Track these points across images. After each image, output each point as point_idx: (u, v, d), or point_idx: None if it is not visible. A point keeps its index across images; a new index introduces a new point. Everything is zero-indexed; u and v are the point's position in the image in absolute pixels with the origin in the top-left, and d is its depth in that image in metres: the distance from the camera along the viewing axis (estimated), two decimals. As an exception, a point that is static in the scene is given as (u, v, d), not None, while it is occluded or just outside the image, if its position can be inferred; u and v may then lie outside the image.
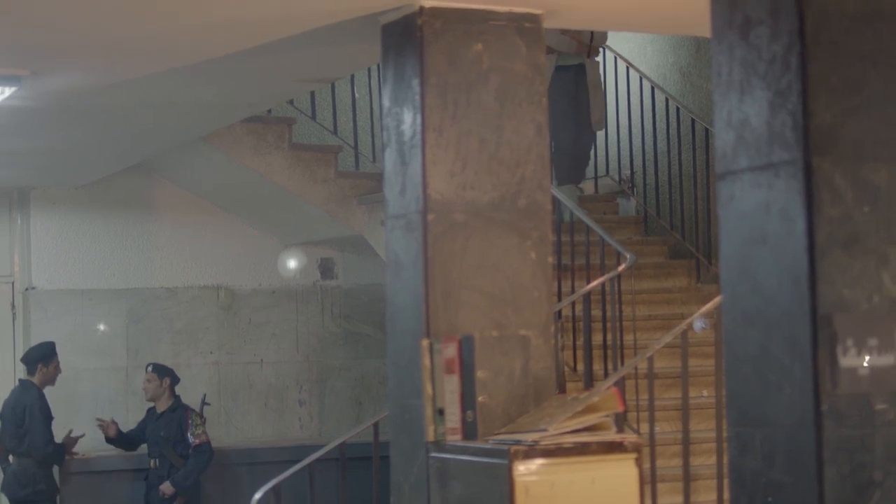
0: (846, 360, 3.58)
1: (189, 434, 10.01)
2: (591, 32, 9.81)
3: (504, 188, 5.46)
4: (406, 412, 5.44)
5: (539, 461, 4.85)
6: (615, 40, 10.41)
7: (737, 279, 3.82)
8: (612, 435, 5.00)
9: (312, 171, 9.86)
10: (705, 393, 7.88)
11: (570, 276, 8.40)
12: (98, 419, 10.25)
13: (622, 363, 7.57)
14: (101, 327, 11.02)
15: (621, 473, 4.97)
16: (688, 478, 6.93)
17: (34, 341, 10.40)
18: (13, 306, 11.07)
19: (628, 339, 7.95)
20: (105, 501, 10.35)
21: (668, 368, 7.99)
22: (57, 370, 9.99)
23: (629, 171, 10.63)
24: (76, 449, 10.24)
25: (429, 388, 5.25)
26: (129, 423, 10.48)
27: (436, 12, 5.39)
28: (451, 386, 5.20)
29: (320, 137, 10.62)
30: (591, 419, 4.96)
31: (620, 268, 7.78)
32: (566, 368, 7.94)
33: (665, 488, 7.14)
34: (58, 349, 10.02)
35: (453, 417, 5.18)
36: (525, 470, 4.83)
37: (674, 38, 10.69)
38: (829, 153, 3.61)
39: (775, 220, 3.68)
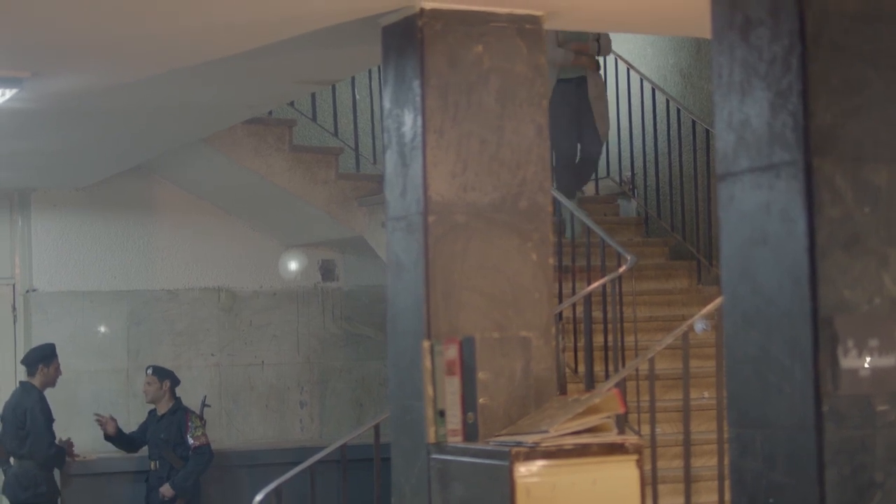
0: (847, 362, 3.58)
1: (189, 436, 10.01)
2: (598, 44, 9.79)
3: (505, 189, 5.46)
4: (407, 414, 5.44)
5: (540, 462, 4.85)
6: (615, 42, 10.40)
7: (737, 280, 3.82)
8: (613, 436, 5.00)
9: (313, 173, 9.86)
10: (706, 394, 7.87)
11: (570, 278, 8.40)
12: (97, 415, 10.25)
13: (623, 364, 7.57)
14: (102, 329, 11.01)
15: (622, 475, 4.97)
16: (689, 479, 6.92)
17: (35, 343, 10.38)
18: (14, 308, 11.06)
19: (629, 340, 7.95)
20: (106, 503, 10.35)
21: (669, 370, 7.99)
22: (57, 372, 9.98)
23: (630, 173, 10.62)
24: (76, 451, 10.24)
25: (430, 390, 5.24)
26: (129, 425, 10.48)
27: (436, 14, 5.39)
28: (451, 387, 5.19)
29: (321, 139, 10.62)
30: (592, 421, 4.96)
31: (621, 269, 7.78)
32: (567, 370, 7.94)
33: (666, 490, 7.13)
34: (58, 351, 10.01)
35: (454, 419, 5.18)
36: (526, 471, 4.83)
37: (674, 40, 10.68)
38: (829, 154, 3.61)
39: (776, 220, 3.67)
